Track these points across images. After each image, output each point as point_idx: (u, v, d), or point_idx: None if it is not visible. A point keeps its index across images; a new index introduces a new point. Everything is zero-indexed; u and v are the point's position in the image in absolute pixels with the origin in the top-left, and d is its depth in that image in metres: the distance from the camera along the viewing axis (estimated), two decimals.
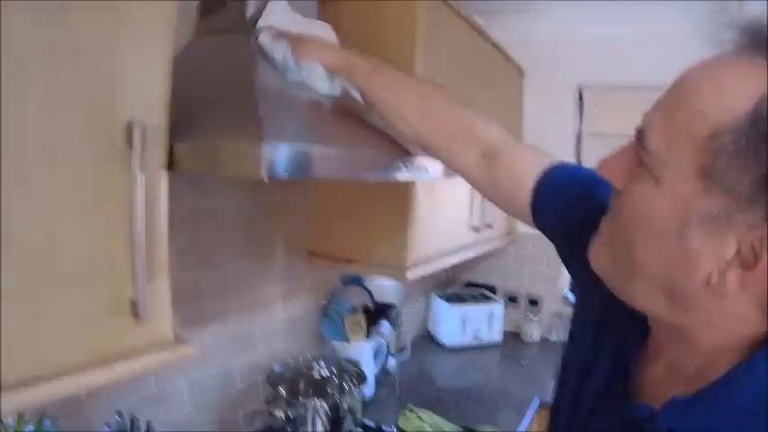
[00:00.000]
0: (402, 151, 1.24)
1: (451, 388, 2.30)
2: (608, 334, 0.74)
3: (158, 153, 0.86)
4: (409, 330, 2.83)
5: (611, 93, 2.69)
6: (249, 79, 1.04)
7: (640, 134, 0.57)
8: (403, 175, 1.21)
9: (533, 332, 2.94)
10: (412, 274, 1.66)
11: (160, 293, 0.90)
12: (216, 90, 1.10)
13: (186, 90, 1.02)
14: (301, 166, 0.89)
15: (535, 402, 2.18)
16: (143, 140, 0.79)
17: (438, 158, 1.12)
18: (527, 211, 0.93)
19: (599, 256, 0.65)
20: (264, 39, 1.14)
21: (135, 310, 0.83)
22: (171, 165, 0.89)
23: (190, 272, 1.48)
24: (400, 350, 2.65)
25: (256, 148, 0.81)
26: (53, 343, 0.76)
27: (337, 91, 1.19)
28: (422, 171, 1.29)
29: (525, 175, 0.92)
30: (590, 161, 2.69)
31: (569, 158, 2.78)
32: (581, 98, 2.81)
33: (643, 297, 0.60)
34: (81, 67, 0.73)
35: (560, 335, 2.92)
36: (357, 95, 1.20)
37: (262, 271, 1.73)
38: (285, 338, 1.90)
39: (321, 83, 1.16)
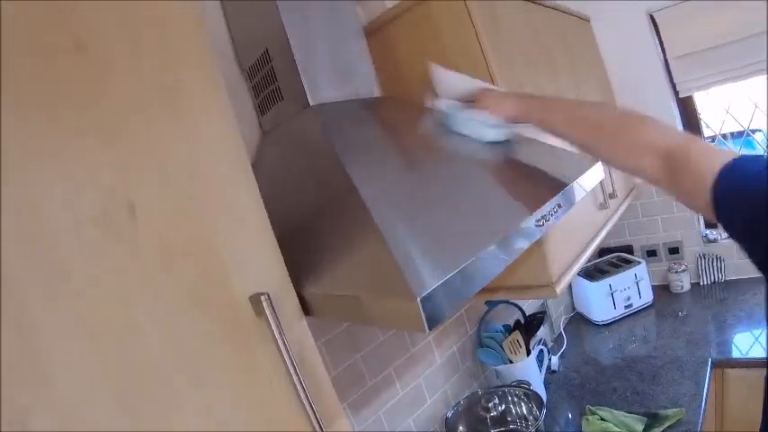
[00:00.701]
0: (544, 189, 1.18)
1: (622, 371, 2.23)
2: None
3: (292, 308, 0.86)
4: (559, 318, 2.80)
5: (682, 10, 2.52)
6: (345, 177, 1.00)
7: None
8: (551, 224, 1.14)
9: (682, 281, 2.81)
10: (560, 287, 1.62)
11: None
12: (315, 200, 1.08)
13: (284, 209, 1.03)
14: (457, 297, 0.82)
15: (708, 365, 2.09)
16: (272, 308, 0.78)
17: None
18: (712, 213, 0.88)
19: None
20: (442, 104, 1.27)
21: None
22: (307, 311, 0.90)
23: (345, 362, 1.52)
24: (556, 341, 2.63)
25: (411, 307, 0.74)
26: None
27: (502, 137, 1.28)
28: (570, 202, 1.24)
29: (701, 189, 0.88)
30: (685, 86, 2.58)
31: (664, 90, 2.67)
32: (655, 25, 2.65)
33: None
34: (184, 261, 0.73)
35: (709, 277, 2.80)
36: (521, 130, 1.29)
37: None
38: (449, 380, 1.92)
39: (490, 131, 1.27)
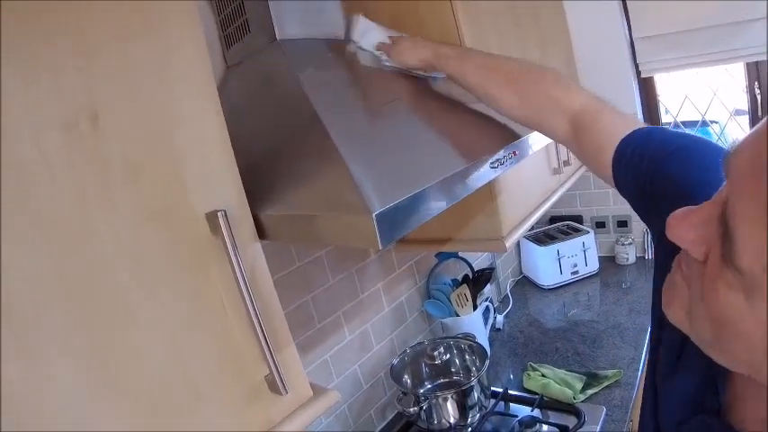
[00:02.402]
0: (497, 139, 1.19)
1: (564, 333, 2.29)
2: None
3: (247, 229, 0.85)
4: (506, 280, 2.84)
5: None
6: (310, 111, 0.99)
7: (724, 237, 0.45)
8: (505, 168, 1.16)
9: (628, 254, 2.88)
10: (509, 242, 1.64)
11: (290, 359, 0.91)
12: (278, 131, 1.07)
13: (246, 138, 1.00)
14: (415, 218, 0.84)
15: (648, 332, 2.14)
16: (228, 226, 0.76)
17: (539, 132, 1.13)
18: (612, 182, 0.90)
19: (677, 315, 0.56)
20: (366, 45, 1.31)
21: (274, 387, 0.85)
22: (261, 234, 0.88)
23: (295, 302, 1.52)
24: (502, 301, 2.67)
25: (365, 221, 0.75)
26: None
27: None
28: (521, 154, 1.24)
29: (608, 146, 0.88)
30: (648, 66, 2.61)
31: (626, 69, 2.68)
32: (624, 4, 2.66)
33: (724, 361, 0.53)
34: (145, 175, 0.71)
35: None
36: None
37: (359, 274, 1.74)
38: (396, 329, 1.94)
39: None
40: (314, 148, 0.94)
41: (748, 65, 2.47)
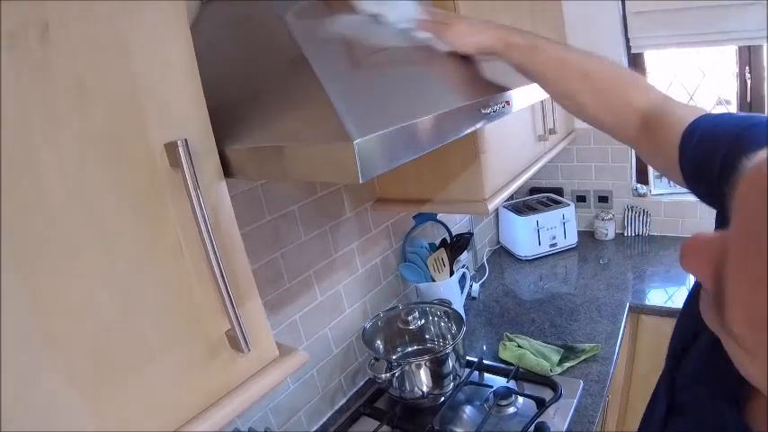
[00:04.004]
0: (490, 87, 1.11)
1: (541, 305, 2.23)
2: None
3: (211, 164, 0.76)
4: (483, 249, 2.77)
5: None
6: (292, 44, 0.88)
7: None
8: (497, 117, 1.08)
9: (607, 229, 2.83)
10: (492, 205, 1.57)
11: (254, 314, 0.84)
12: (255, 66, 0.96)
13: (219, 74, 0.92)
14: (399, 153, 0.75)
15: (626, 308, 2.10)
16: (189, 158, 0.68)
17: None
18: (680, 175, 0.82)
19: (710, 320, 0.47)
20: (397, 21, 1.09)
21: (235, 344, 0.76)
22: (227, 172, 0.79)
23: (264, 258, 1.42)
24: (478, 270, 2.61)
25: (345, 150, 0.66)
26: (160, 409, 0.71)
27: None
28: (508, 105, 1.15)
29: (676, 134, 0.81)
30: (639, 42, 2.53)
31: (617, 43, 2.60)
32: None
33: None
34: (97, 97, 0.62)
35: (634, 229, 2.84)
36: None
37: (333, 232, 1.65)
38: (369, 293, 1.86)
39: None
40: (295, 85, 0.84)
41: (740, 49, 2.41)
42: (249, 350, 0.77)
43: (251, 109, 0.86)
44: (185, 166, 0.67)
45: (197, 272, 0.73)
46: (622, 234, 2.89)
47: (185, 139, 0.68)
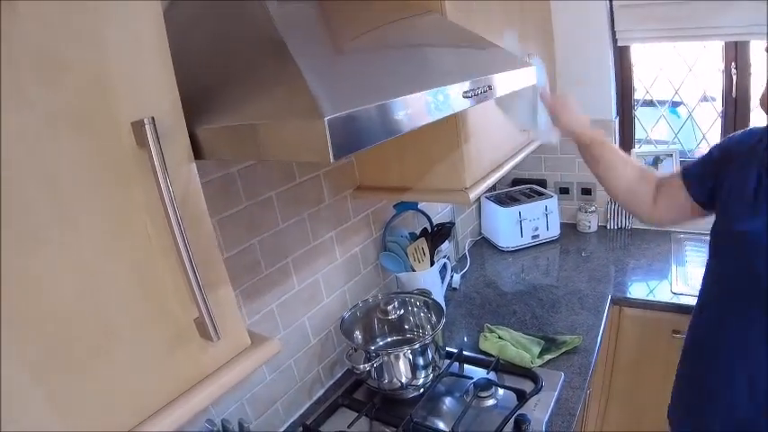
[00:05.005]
0: (471, 70, 1.08)
1: (522, 297, 2.22)
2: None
3: (180, 145, 0.72)
4: (465, 240, 2.75)
5: None
6: (269, 25, 0.86)
7: None
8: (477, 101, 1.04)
9: (590, 222, 2.82)
10: (473, 194, 1.54)
11: (225, 301, 0.81)
12: (231, 47, 0.93)
13: (193, 54, 0.89)
14: (374, 134, 0.72)
15: (608, 300, 2.09)
16: (156, 137, 0.65)
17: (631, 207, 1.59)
18: (695, 204, 1.40)
19: None
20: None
21: (204, 332, 0.73)
22: (198, 154, 0.76)
23: (240, 245, 1.39)
24: (459, 261, 2.59)
25: (316, 127, 0.63)
26: (126, 396, 0.68)
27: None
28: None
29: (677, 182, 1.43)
30: (625, 35, 2.52)
31: (603, 35, 2.58)
32: None
33: None
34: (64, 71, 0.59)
35: (617, 222, 2.84)
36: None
37: (312, 220, 1.62)
38: (348, 282, 1.83)
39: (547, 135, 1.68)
40: (271, 65, 0.81)
41: (727, 45, 2.40)
42: (219, 338, 0.74)
43: (225, 90, 0.83)
44: (152, 145, 0.64)
45: (164, 255, 0.70)
46: (605, 227, 2.87)
47: (152, 117, 0.65)
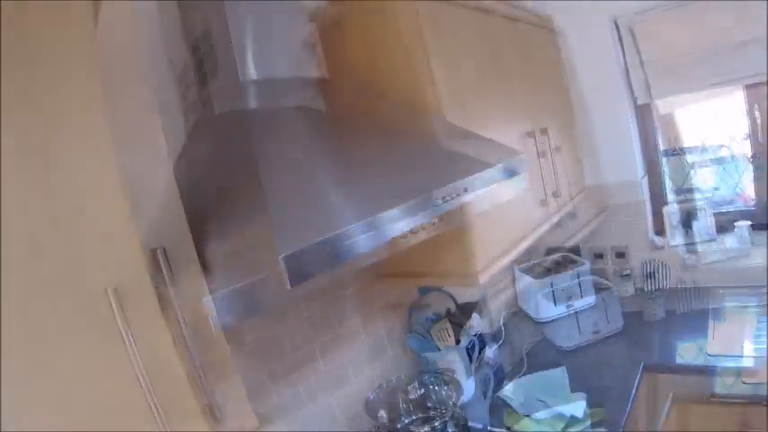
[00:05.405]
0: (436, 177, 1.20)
1: (553, 365, 2.25)
2: None
3: (149, 306, 0.83)
4: (500, 310, 2.79)
5: (649, 17, 2.53)
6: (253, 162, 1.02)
7: None
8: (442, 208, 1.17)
9: (626, 286, 2.84)
10: (484, 278, 1.62)
11: (234, 391, 0.92)
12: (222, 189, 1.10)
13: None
14: (325, 263, 0.87)
15: (640, 367, 2.11)
16: (119, 303, 0.77)
17: None
18: None
19: None
20: None
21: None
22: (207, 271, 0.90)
23: (266, 331, 1.51)
24: (494, 335, 2.63)
25: (278, 262, 0.78)
26: None
27: None
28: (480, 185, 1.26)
29: None
30: (643, 93, 2.60)
31: (622, 96, 2.68)
32: (618, 32, 2.67)
33: None
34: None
35: (654, 283, 2.81)
36: None
37: (336, 306, 1.74)
38: (375, 363, 1.93)
39: None
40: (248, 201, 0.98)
41: (747, 87, 2.44)
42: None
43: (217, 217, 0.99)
44: (116, 312, 0.76)
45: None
46: (642, 289, 2.86)
47: (115, 289, 0.77)
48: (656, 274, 2.80)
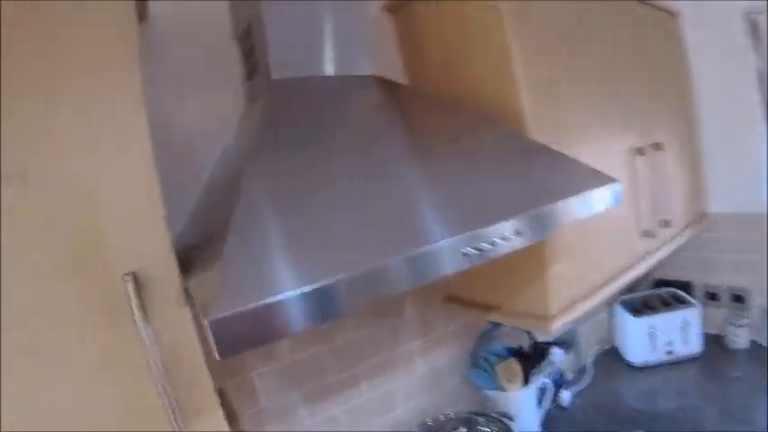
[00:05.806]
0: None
1: (635, 425, 1.97)
2: None
3: (170, 294, 0.80)
4: (591, 346, 2.53)
5: None
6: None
7: None
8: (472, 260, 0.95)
9: (739, 337, 2.47)
10: (557, 324, 1.41)
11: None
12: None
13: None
14: (263, 333, 0.72)
15: None
16: (136, 291, 0.74)
17: None
18: None
19: None
20: None
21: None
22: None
23: (307, 351, 1.42)
24: (579, 374, 2.37)
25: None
26: None
27: None
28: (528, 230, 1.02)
29: None
30: None
31: (752, 101, 2.29)
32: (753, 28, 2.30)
33: None
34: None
35: None
36: None
37: (393, 327, 1.60)
38: (429, 394, 1.78)
39: None
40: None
41: None
42: None
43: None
44: (132, 297, 0.73)
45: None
46: (758, 343, 2.48)
47: (134, 273, 0.74)
48: None
